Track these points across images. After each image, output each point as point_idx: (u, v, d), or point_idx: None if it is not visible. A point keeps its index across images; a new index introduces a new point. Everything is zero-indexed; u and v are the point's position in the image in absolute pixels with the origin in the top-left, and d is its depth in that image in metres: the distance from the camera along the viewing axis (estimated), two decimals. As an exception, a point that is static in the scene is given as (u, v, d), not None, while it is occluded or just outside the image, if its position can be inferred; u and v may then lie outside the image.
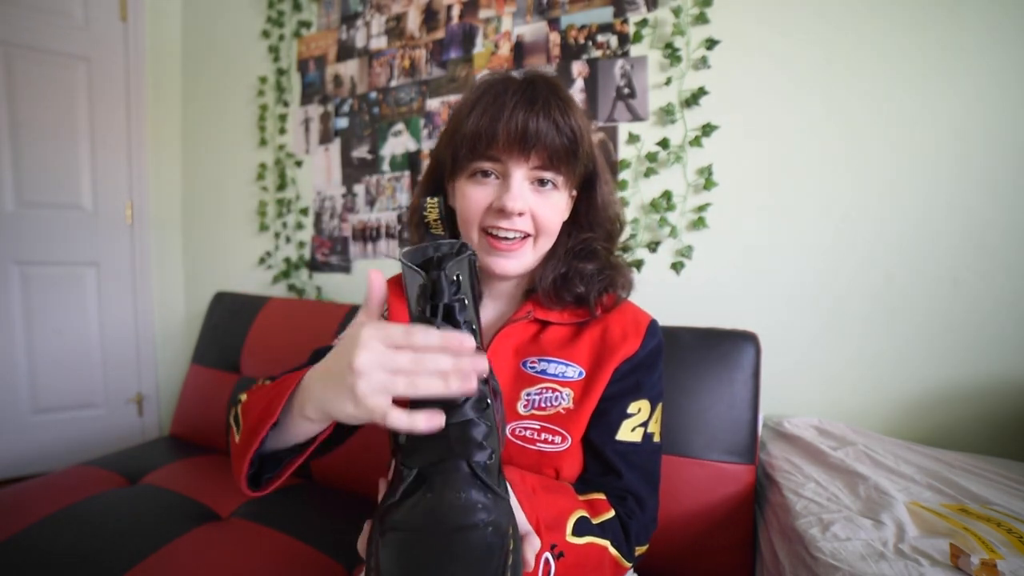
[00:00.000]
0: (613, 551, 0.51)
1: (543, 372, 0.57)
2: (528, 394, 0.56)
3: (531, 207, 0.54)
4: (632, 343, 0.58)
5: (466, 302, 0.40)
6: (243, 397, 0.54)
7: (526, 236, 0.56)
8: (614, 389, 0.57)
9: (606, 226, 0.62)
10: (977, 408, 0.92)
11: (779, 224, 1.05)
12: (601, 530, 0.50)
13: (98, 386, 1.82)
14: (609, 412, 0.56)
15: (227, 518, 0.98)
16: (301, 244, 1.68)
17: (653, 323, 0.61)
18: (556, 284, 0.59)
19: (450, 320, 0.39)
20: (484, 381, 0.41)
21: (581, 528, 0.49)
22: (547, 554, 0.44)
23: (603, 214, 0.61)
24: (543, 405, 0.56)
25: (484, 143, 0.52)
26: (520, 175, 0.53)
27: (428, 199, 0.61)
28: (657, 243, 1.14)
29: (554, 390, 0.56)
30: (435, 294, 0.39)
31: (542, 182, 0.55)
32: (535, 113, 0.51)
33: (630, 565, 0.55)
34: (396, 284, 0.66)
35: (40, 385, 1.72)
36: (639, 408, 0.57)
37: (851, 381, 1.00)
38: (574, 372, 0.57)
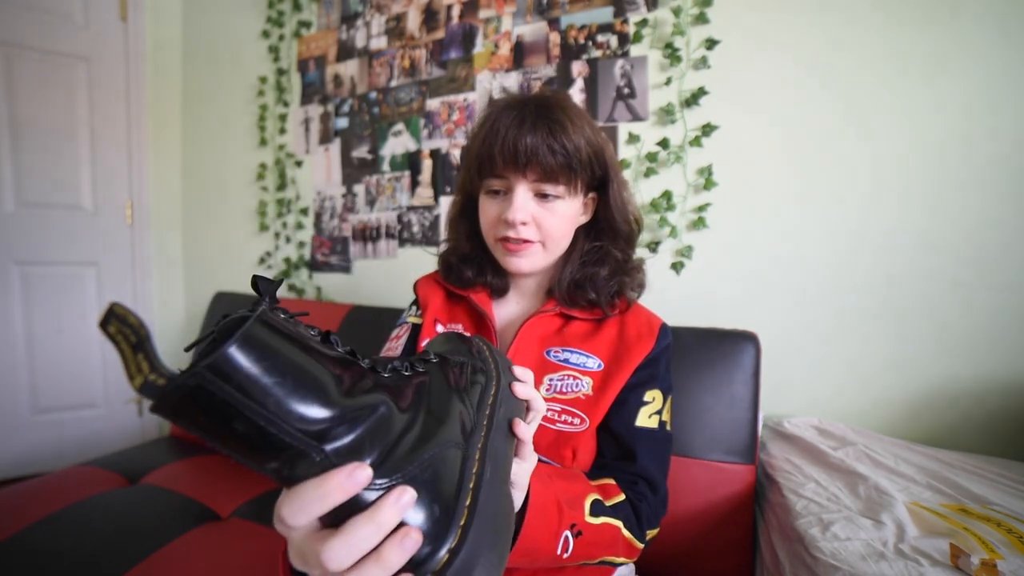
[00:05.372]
0: (626, 532, 0.55)
1: (566, 361, 0.63)
2: (551, 379, 0.62)
3: (535, 217, 0.61)
4: (647, 344, 0.65)
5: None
6: None
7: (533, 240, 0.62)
8: (633, 380, 0.63)
9: (622, 228, 0.68)
10: (977, 408, 0.92)
11: (779, 224, 1.05)
12: (614, 511, 0.55)
13: (98, 386, 1.82)
14: (628, 401, 0.63)
15: (227, 518, 0.98)
16: (301, 244, 1.68)
17: (664, 326, 0.68)
18: (571, 289, 0.66)
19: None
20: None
21: (596, 509, 0.53)
22: (567, 532, 0.48)
23: (619, 216, 0.67)
24: (564, 390, 0.62)
25: (487, 165, 0.61)
26: (522, 189, 0.60)
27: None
28: (657, 243, 1.14)
29: (575, 377, 0.62)
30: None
31: (544, 195, 0.61)
32: (524, 134, 0.57)
33: (642, 546, 0.59)
34: (429, 281, 0.75)
35: (40, 385, 1.72)
36: (653, 397, 0.64)
37: (851, 381, 1.00)
38: (594, 363, 0.63)
